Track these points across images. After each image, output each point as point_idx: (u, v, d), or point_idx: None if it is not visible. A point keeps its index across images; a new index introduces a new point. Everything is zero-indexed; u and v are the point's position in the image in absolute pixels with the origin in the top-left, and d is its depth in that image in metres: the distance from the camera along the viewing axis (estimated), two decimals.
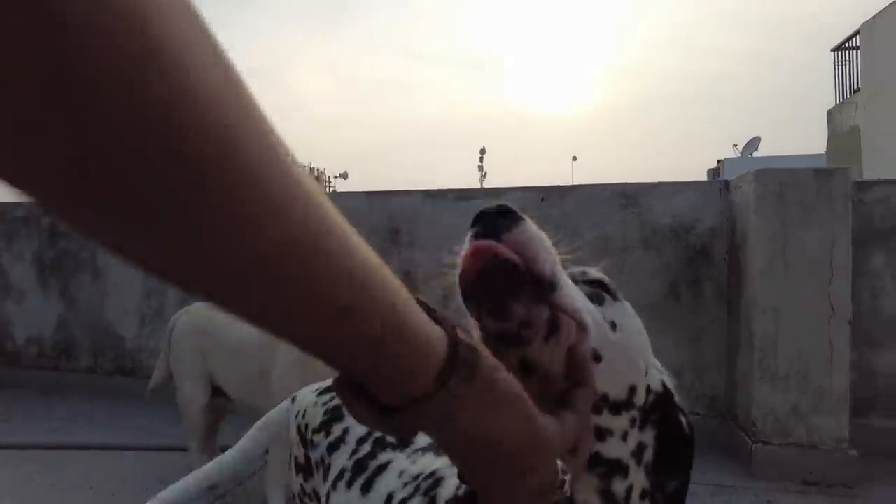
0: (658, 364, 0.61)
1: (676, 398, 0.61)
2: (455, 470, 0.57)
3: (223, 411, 2.44)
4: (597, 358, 0.50)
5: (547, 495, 0.42)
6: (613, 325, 0.55)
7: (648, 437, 0.57)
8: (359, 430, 0.92)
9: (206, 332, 2.30)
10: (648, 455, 0.57)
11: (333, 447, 0.92)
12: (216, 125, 0.24)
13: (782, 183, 2.54)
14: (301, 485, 1.01)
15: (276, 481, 2.11)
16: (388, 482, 0.82)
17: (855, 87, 10.85)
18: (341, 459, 0.90)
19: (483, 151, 30.01)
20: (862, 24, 10.34)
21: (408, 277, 3.27)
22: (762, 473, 2.57)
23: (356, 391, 0.37)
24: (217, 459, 1.14)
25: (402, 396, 0.36)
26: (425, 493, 0.74)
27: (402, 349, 0.35)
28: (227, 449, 1.16)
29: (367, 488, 0.84)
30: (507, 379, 0.40)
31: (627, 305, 0.59)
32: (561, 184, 3.23)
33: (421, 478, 0.79)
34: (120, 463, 2.82)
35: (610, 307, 0.56)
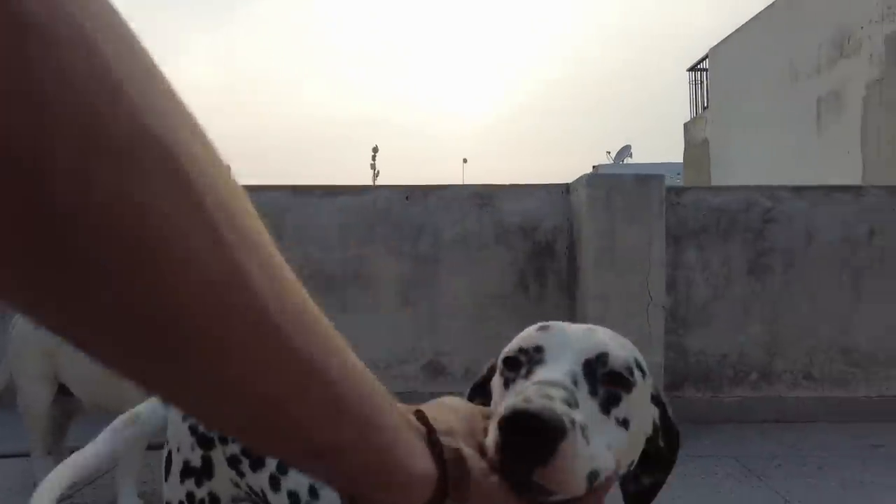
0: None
1: (669, 411, 0.61)
2: None
3: (71, 412, 2.37)
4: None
5: None
6: (625, 423, 0.52)
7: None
8: None
9: None
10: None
11: None
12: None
13: (609, 188, 2.93)
14: (191, 492, 0.98)
15: (129, 481, 2.10)
16: None
17: (705, 104, 12.14)
18: None
19: (376, 150, 29.95)
20: (710, 49, 11.59)
21: None
22: None
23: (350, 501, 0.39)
24: (67, 461, 1.10)
25: None
26: None
27: (385, 487, 0.37)
28: (75, 450, 1.13)
29: None
30: (495, 491, 0.42)
31: (641, 382, 0.55)
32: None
33: None
34: None
35: (624, 403, 0.52)
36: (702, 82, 12.37)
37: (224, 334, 0.26)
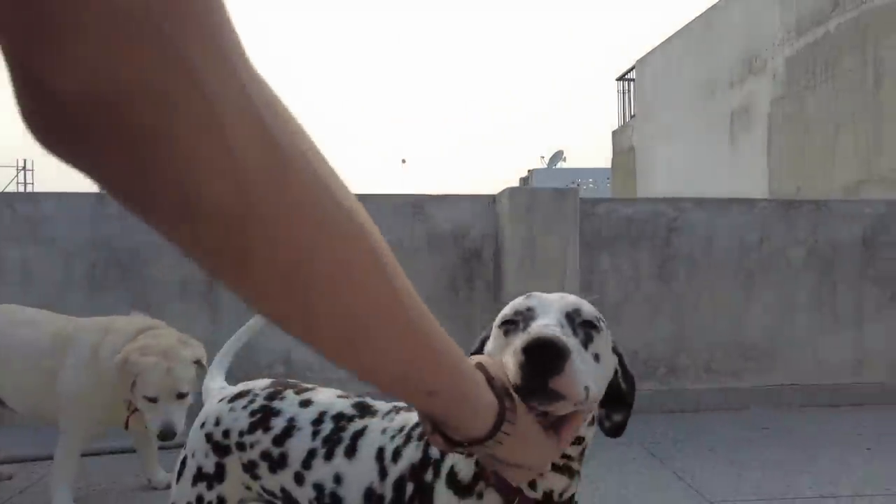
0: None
1: (625, 360, 0.80)
2: None
3: None
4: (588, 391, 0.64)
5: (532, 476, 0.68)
6: (597, 357, 0.70)
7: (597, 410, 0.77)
8: (307, 415, 0.97)
9: None
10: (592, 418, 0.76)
11: (284, 436, 0.96)
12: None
13: (529, 200, 3.18)
14: (200, 495, 1.01)
15: (64, 485, 2.12)
16: (372, 441, 0.89)
17: (632, 113, 12.76)
18: (303, 443, 0.95)
19: None
20: (637, 60, 12.20)
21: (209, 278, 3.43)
22: None
23: (434, 427, 0.57)
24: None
25: (464, 437, 0.57)
26: (419, 439, 0.84)
27: (465, 416, 0.55)
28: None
29: (351, 453, 0.90)
30: (533, 426, 0.61)
31: (605, 329, 0.73)
32: (388, 184, 3.62)
33: (406, 429, 0.87)
34: None
35: (595, 342, 0.70)
36: (629, 92, 12.99)
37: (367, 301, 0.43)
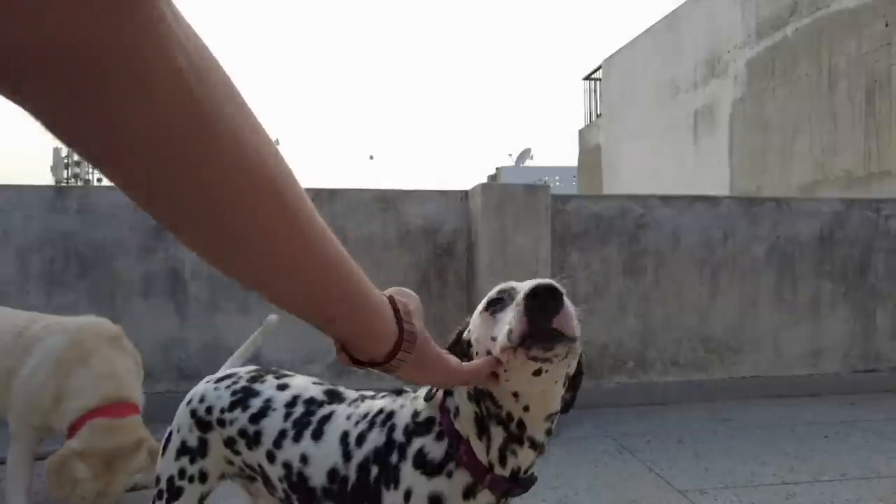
0: None
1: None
2: (400, 404, 0.92)
3: None
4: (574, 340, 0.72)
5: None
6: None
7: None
8: (283, 398, 1.04)
9: None
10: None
11: (260, 416, 1.03)
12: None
13: (501, 196, 3.20)
14: (182, 468, 1.08)
15: (21, 493, 2.05)
16: (337, 426, 0.95)
17: (598, 111, 12.95)
18: (275, 423, 1.01)
19: (276, 143, 29.18)
20: (603, 60, 12.38)
21: (174, 274, 3.36)
22: None
23: (341, 346, 0.63)
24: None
25: (369, 358, 0.63)
26: (382, 425, 0.90)
27: (365, 342, 0.61)
28: None
29: (318, 436, 0.96)
30: (434, 351, 0.68)
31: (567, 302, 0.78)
32: (343, 181, 3.59)
33: (370, 415, 0.93)
34: None
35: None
36: (595, 91, 13.18)
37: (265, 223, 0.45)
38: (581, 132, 13.48)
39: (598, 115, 12.91)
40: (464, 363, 0.74)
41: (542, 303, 0.68)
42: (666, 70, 9.76)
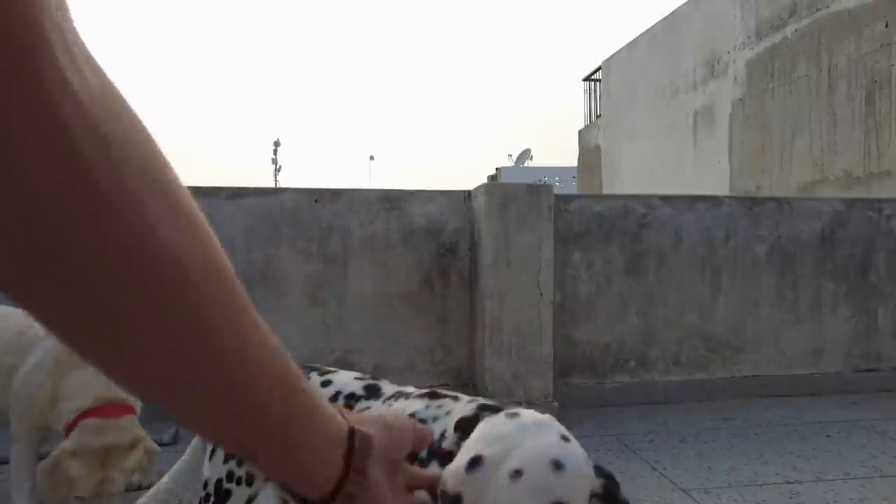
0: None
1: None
2: (433, 416, 0.84)
3: None
4: None
5: None
6: (518, 473, 0.60)
7: None
8: (325, 393, 1.02)
9: None
10: None
11: None
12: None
13: (504, 195, 3.21)
14: (231, 471, 1.10)
15: (23, 483, 2.05)
16: None
17: (598, 112, 12.97)
18: None
19: (277, 144, 29.05)
20: (603, 61, 12.40)
21: None
22: None
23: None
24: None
25: (297, 493, 0.45)
26: None
27: (293, 479, 0.44)
28: None
29: None
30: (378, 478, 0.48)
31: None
32: (346, 182, 3.59)
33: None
34: None
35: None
36: (595, 92, 13.21)
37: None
38: (581, 133, 13.50)
39: (597, 116, 12.93)
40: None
41: None
42: (665, 71, 9.78)
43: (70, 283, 0.29)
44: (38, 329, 2.12)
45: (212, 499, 1.10)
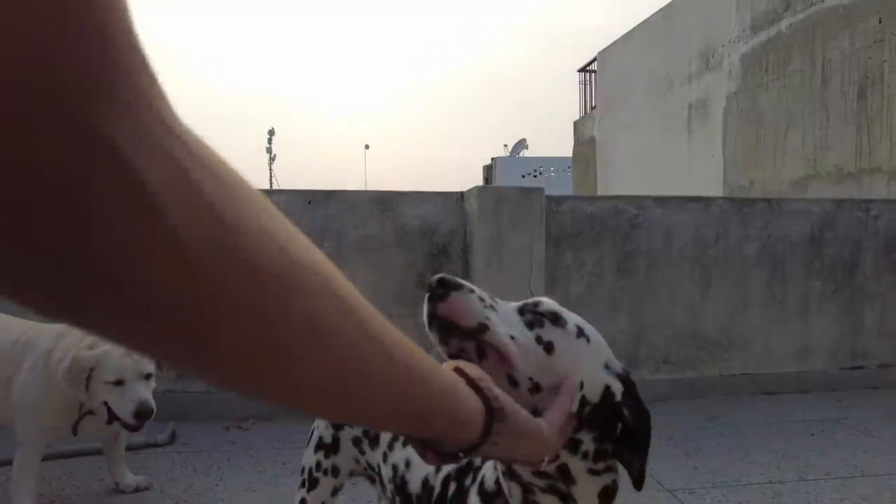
0: (615, 366, 0.77)
1: (617, 398, 0.74)
2: None
3: None
4: (532, 381, 0.67)
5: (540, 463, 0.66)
6: (550, 347, 0.70)
7: (585, 436, 0.72)
8: None
9: None
10: (586, 447, 0.73)
11: None
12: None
13: (497, 198, 3.24)
14: (319, 461, 1.19)
15: (27, 483, 2.08)
16: None
17: (593, 103, 12.96)
18: None
19: (272, 132, 28.86)
20: (598, 53, 12.37)
21: None
22: None
23: (425, 445, 0.56)
24: None
25: (457, 448, 0.56)
26: None
27: (457, 429, 0.54)
28: None
29: None
30: (524, 419, 0.60)
31: (572, 327, 0.74)
32: (339, 179, 3.61)
33: None
34: None
35: (549, 330, 0.71)
36: (591, 83, 13.18)
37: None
38: (576, 124, 13.50)
39: (592, 107, 12.92)
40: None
41: (430, 295, 0.66)
42: (661, 63, 9.78)
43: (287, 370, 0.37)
44: (29, 334, 2.15)
45: (306, 484, 1.19)
